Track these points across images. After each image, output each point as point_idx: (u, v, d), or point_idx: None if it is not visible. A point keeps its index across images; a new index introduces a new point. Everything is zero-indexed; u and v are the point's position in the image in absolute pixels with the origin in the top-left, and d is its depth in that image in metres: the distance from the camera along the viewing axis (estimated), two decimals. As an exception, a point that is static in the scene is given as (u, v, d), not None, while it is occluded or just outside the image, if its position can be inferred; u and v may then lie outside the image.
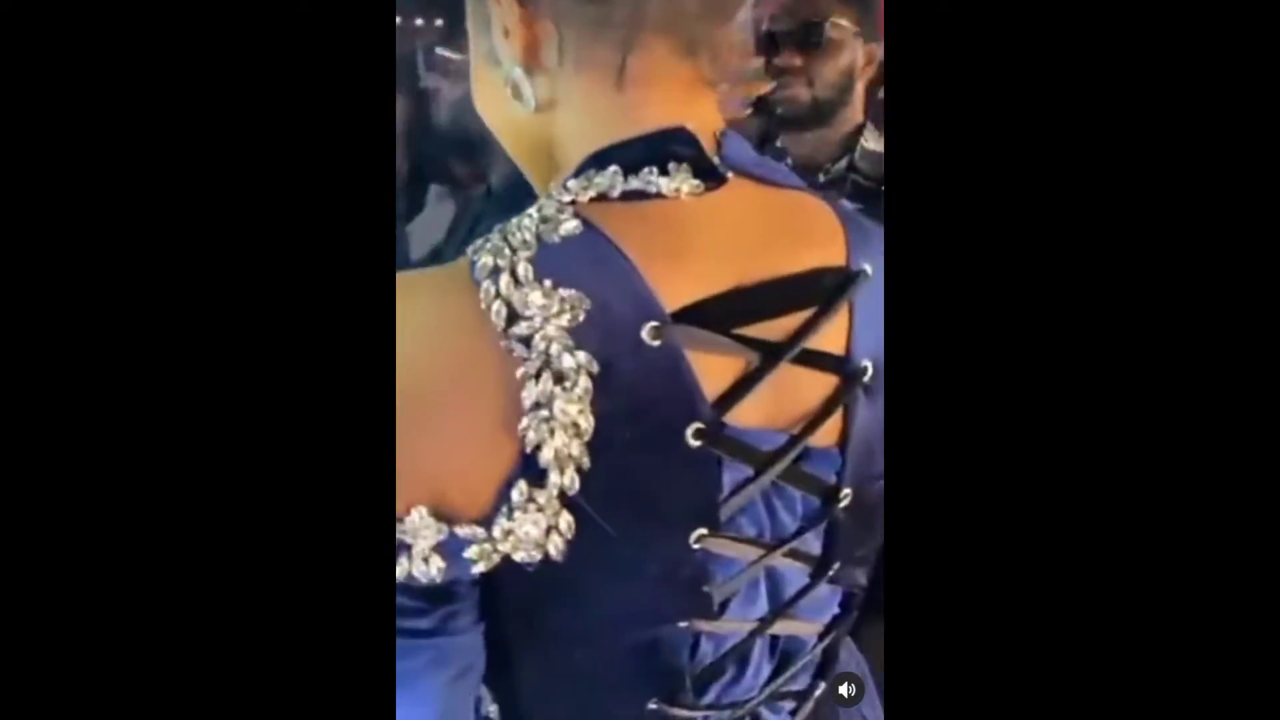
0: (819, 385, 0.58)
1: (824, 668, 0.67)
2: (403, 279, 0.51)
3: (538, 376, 0.50)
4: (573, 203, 0.53)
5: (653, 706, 0.57)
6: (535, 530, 0.50)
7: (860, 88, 1.41)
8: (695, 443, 0.52)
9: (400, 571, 0.51)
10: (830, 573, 0.60)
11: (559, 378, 0.50)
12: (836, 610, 0.65)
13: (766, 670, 0.63)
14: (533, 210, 0.54)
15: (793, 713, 0.67)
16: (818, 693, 0.66)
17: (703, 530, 0.53)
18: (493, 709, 0.60)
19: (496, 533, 0.51)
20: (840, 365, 0.57)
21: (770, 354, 0.54)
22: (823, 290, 0.56)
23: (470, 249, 0.53)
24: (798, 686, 0.66)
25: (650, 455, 0.51)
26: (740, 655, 0.60)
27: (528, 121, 0.58)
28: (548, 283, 0.50)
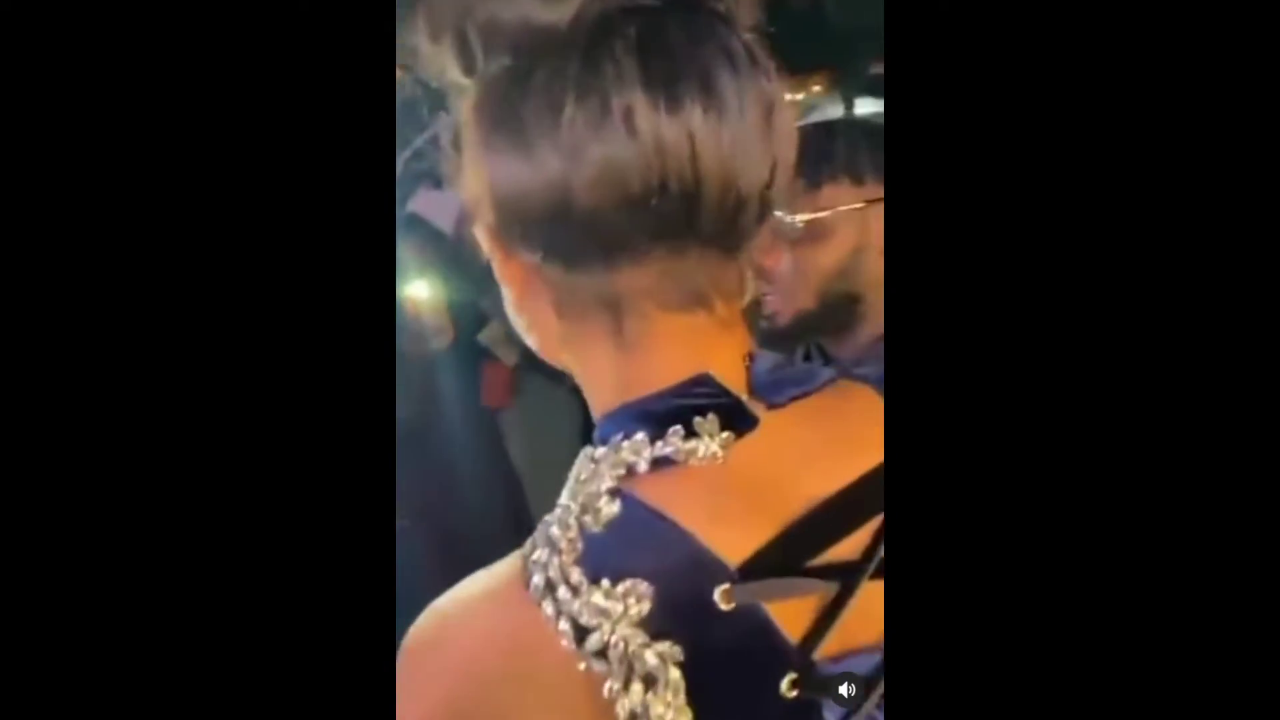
0: None
1: None
2: (455, 602, 0.51)
3: (626, 686, 0.47)
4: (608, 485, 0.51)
5: None
6: None
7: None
8: (791, 694, 0.50)
9: None
10: None
11: (648, 682, 0.47)
12: None
13: None
14: (567, 499, 0.52)
15: None
16: None
17: None
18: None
19: None
20: None
21: (849, 576, 0.52)
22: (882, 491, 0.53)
23: (519, 553, 0.51)
24: None
25: (748, 715, 0.50)
26: None
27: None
28: (605, 582, 0.48)
